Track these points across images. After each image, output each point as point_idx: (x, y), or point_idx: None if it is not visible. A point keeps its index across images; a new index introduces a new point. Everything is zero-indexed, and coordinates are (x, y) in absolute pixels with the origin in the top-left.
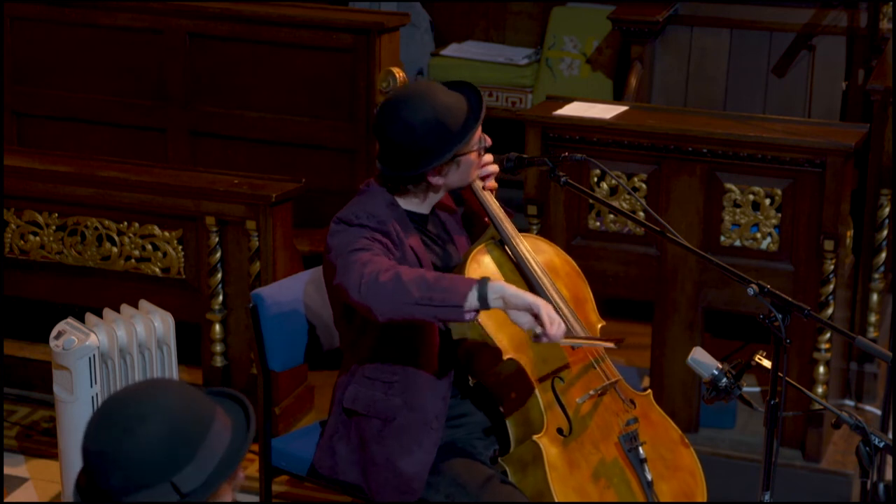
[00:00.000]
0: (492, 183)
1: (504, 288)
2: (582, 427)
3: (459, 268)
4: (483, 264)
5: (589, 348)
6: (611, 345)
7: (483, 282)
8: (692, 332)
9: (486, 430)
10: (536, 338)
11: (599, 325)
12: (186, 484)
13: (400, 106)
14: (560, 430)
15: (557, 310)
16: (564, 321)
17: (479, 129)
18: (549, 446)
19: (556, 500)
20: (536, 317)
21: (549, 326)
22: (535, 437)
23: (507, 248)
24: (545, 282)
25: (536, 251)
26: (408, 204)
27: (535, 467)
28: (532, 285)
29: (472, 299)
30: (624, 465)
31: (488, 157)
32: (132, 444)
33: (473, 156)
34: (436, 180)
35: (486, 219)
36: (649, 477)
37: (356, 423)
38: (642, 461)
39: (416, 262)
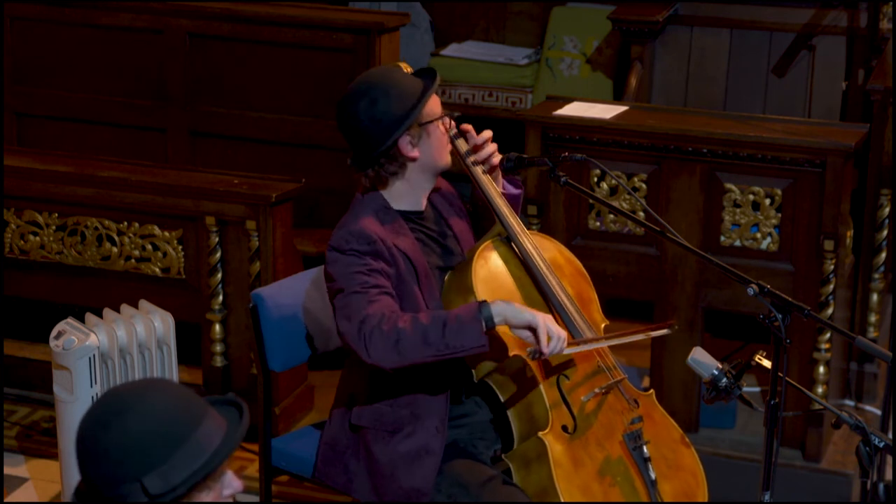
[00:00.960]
0: (496, 159)
1: (504, 308)
2: (586, 425)
3: (466, 264)
4: (490, 261)
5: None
6: (614, 342)
7: (485, 307)
8: (692, 332)
9: (487, 429)
10: (533, 355)
11: (603, 325)
12: (155, 486)
13: (356, 88)
14: (565, 428)
15: (565, 313)
16: (574, 323)
17: (438, 101)
18: (553, 443)
19: (561, 497)
20: (534, 332)
21: (545, 344)
22: (539, 434)
23: (513, 244)
24: (551, 279)
25: (542, 249)
26: (399, 202)
27: (539, 464)
28: (538, 282)
29: (483, 328)
30: (628, 464)
31: (487, 133)
32: (107, 438)
33: (441, 127)
34: (410, 151)
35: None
36: (653, 476)
37: (363, 436)
38: (646, 460)
39: (412, 271)
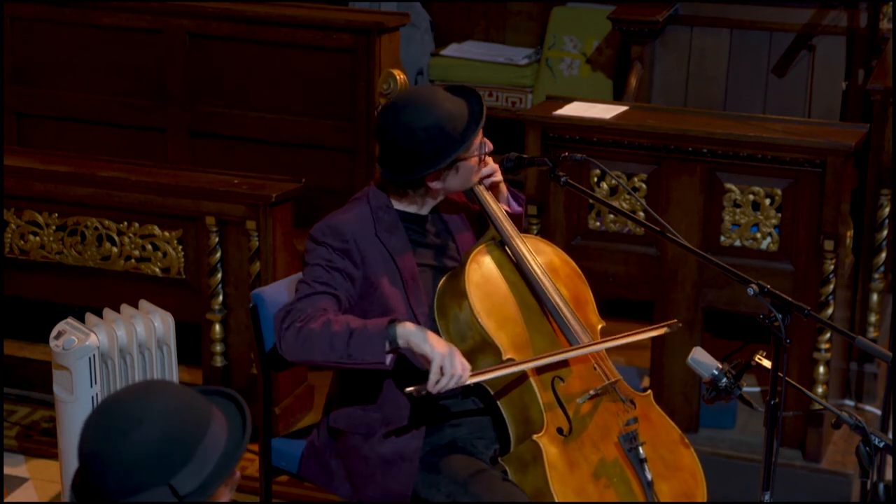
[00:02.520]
0: (497, 177)
1: (411, 333)
2: (582, 427)
3: (459, 268)
4: (483, 265)
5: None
6: (540, 362)
7: (392, 327)
8: (692, 332)
9: (487, 428)
10: (416, 391)
11: (600, 326)
12: (184, 486)
13: (403, 110)
14: (560, 430)
15: (559, 316)
16: (568, 326)
17: (480, 134)
18: (548, 446)
19: (556, 500)
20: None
21: (431, 383)
22: (534, 437)
23: (507, 248)
24: (545, 282)
25: (537, 252)
26: (402, 204)
27: (534, 467)
28: (532, 286)
29: (386, 346)
30: (624, 465)
31: (486, 159)
32: (127, 446)
33: (473, 161)
34: (435, 185)
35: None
36: (649, 477)
37: (342, 439)
38: (642, 461)
39: (395, 272)
